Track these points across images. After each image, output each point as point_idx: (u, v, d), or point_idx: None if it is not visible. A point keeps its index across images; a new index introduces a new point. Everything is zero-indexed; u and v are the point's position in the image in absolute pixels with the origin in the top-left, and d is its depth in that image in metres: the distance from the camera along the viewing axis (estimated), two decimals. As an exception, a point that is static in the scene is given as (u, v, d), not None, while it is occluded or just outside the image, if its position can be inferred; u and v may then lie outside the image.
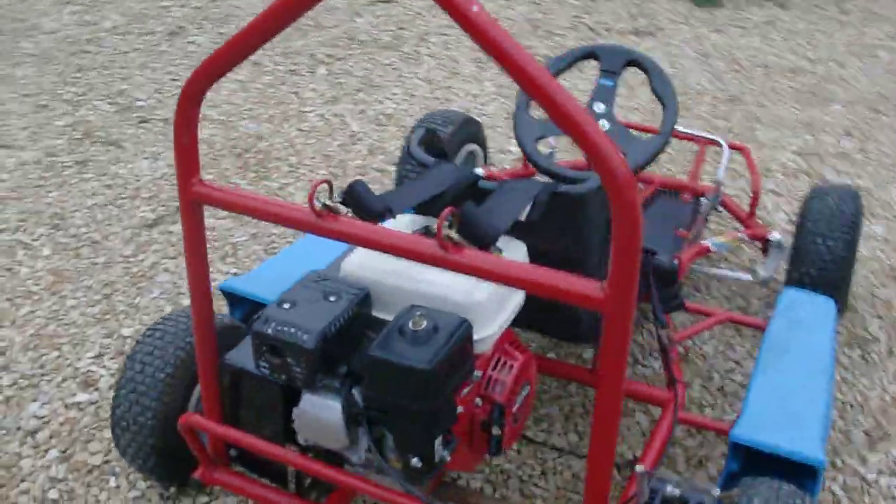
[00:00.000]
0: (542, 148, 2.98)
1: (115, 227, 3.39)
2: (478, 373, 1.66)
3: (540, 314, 1.96)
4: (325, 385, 1.62)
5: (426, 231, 1.81)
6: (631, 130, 2.42)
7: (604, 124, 2.42)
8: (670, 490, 1.66)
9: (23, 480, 2.31)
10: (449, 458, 1.60)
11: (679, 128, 3.09)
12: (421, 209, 1.83)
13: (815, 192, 2.77)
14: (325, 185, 1.51)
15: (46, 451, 2.40)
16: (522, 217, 1.73)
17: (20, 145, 3.98)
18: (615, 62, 2.45)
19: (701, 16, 5.48)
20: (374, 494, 1.68)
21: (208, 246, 3.25)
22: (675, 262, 2.57)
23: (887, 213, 3.53)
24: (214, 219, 3.38)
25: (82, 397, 2.57)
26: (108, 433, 2.39)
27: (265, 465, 1.90)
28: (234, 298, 2.38)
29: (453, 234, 1.38)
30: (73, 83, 4.63)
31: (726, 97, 4.39)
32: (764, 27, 5.29)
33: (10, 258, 3.20)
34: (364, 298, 1.68)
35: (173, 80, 4.67)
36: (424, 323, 1.54)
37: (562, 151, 3.75)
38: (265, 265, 2.51)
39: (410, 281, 1.70)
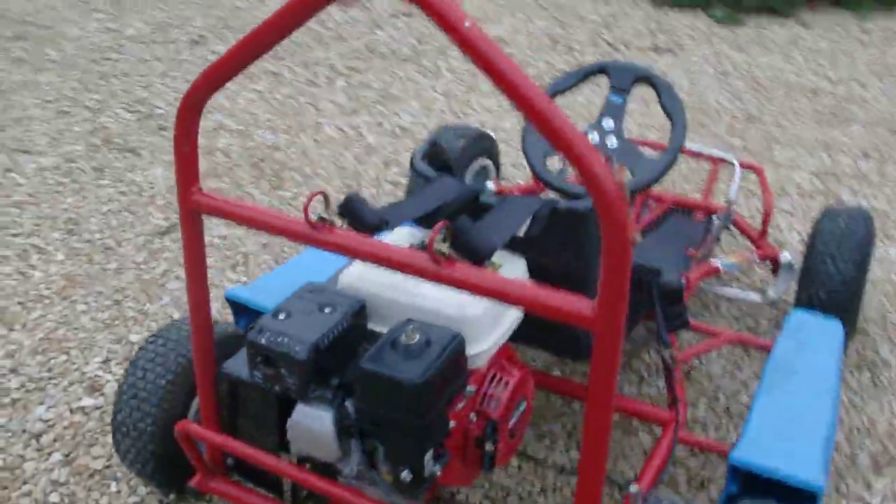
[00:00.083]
0: (552, 164, 2.98)
1: (128, 233, 3.41)
2: (471, 388, 1.65)
3: (540, 331, 1.95)
4: (318, 396, 1.62)
5: (423, 245, 1.81)
6: (640, 147, 2.42)
7: (612, 141, 2.41)
8: (665, 510, 1.65)
9: (25, 483, 2.32)
10: (439, 473, 1.60)
11: (692, 146, 3.08)
12: (421, 223, 1.83)
13: (826, 213, 2.75)
14: (321, 197, 1.51)
15: (50, 454, 2.41)
16: (521, 233, 1.73)
17: (40, 150, 4.03)
18: (625, 79, 2.45)
19: (722, 33, 5.47)
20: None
21: (219, 255, 3.28)
22: (683, 280, 2.56)
23: (903, 235, 3.50)
24: (227, 228, 3.40)
25: (88, 402, 2.58)
26: (111, 438, 2.41)
27: (261, 475, 1.90)
28: (238, 307, 2.39)
29: (445, 248, 1.38)
30: (95, 90, 4.68)
31: (745, 116, 4.37)
32: (786, 46, 5.26)
33: (24, 262, 3.23)
34: (359, 311, 1.68)
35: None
36: (417, 336, 1.53)
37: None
38: (271, 275, 2.52)
39: (407, 294, 1.70)
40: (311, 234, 1.50)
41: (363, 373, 1.51)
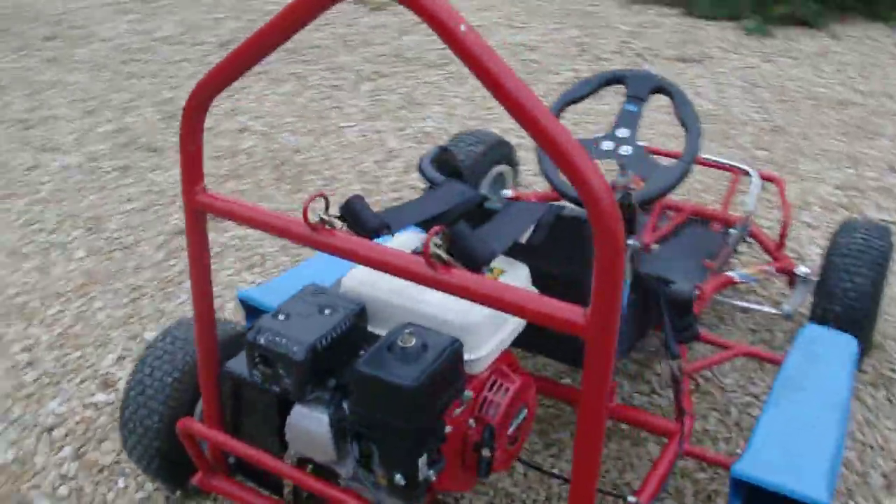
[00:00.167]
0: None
1: (148, 232, 3.45)
2: (469, 393, 1.64)
3: (546, 338, 1.95)
4: (316, 397, 1.63)
5: None
6: (654, 157, 2.40)
7: (626, 149, 2.40)
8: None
9: (35, 475, 2.35)
10: (434, 478, 1.59)
11: (711, 157, 3.06)
12: (426, 227, 1.83)
13: (844, 227, 2.71)
14: (322, 199, 1.52)
15: (61, 448, 2.44)
16: (524, 239, 1.72)
17: (65, 149, 4.08)
18: (641, 88, 2.43)
19: (751, 44, 5.42)
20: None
21: (237, 256, 3.30)
22: (695, 291, 2.54)
23: (927, 252, 3.44)
24: (244, 229, 3.42)
25: (100, 398, 2.61)
26: (120, 434, 2.44)
27: (262, 475, 1.91)
28: (251, 308, 2.40)
29: (442, 252, 1.38)
30: (123, 90, 4.74)
31: (770, 127, 4.33)
32: (815, 58, 5.21)
33: (45, 258, 3.28)
34: (359, 313, 1.68)
35: (220, 90, 4.75)
36: (414, 341, 1.53)
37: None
38: (284, 277, 2.53)
39: (408, 299, 1.70)
40: (310, 236, 1.51)
41: (359, 375, 1.51)
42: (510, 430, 1.77)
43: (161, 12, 5.89)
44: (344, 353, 1.62)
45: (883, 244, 2.59)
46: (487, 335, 1.68)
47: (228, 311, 2.97)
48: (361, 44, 5.46)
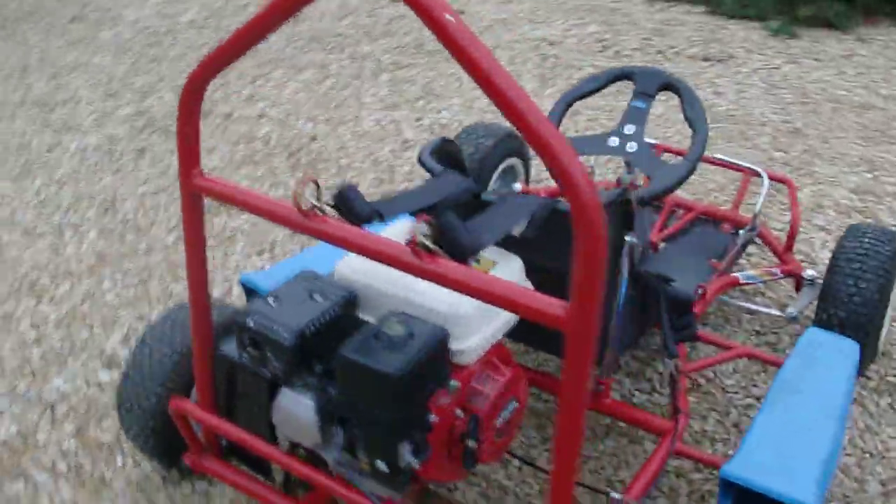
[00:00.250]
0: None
1: (161, 215, 3.48)
2: (455, 383, 1.65)
3: (543, 333, 1.95)
4: (304, 382, 1.64)
5: None
6: (660, 154, 2.40)
7: (632, 146, 2.39)
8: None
9: (36, 450, 2.39)
10: (418, 466, 1.60)
11: (723, 156, 3.04)
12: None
13: (850, 231, 2.69)
14: (313, 185, 1.53)
15: (63, 424, 2.48)
16: (517, 232, 1.72)
17: (84, 130, 4.12)
18: (650, 85, 2.43)
19: (776, 45, 5.37)
20: (344, 497, 1.69)
21: (247, 240, 3.32)
22: (699, 290, 2.53)
23: (942, 259, 3.40)
24: (256, 214, 3.44)
25: (104, 377, 2.64)
26: (120, 412, 2.46)
27: (253, 458, 1.92)
28: (251, 292, 2.42)
29: (427, 242, 1.39)
30: (145, 73, 4.77)
31: (789, 129, 4.29)
32: (840, 60, 5.14)
33: (58, 238, 3.32)
34: (350, 300, 1.69)
35: (240, 77, 4.78)
36: (400, 329, 1.54)
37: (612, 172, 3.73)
38: (286, 262, 2.54)
39: (400, 288, 1.71)
40: (301, 222, 1.52)
41: (343, 361, 1.52)
42: (498, 423, 1.77)
43: (187, -2, 5.94)
44: (333, 339, 1.63)
45: (890, 249, 2.57)
46: (477, 326, 1.69)
47: (236, 296, 3.00)
48: (384, 34, 5.47)
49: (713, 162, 3.05)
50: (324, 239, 1.50)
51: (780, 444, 1.95)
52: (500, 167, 3.14)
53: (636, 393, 2.64)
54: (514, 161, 3.23)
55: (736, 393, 2.66)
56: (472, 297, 1.37)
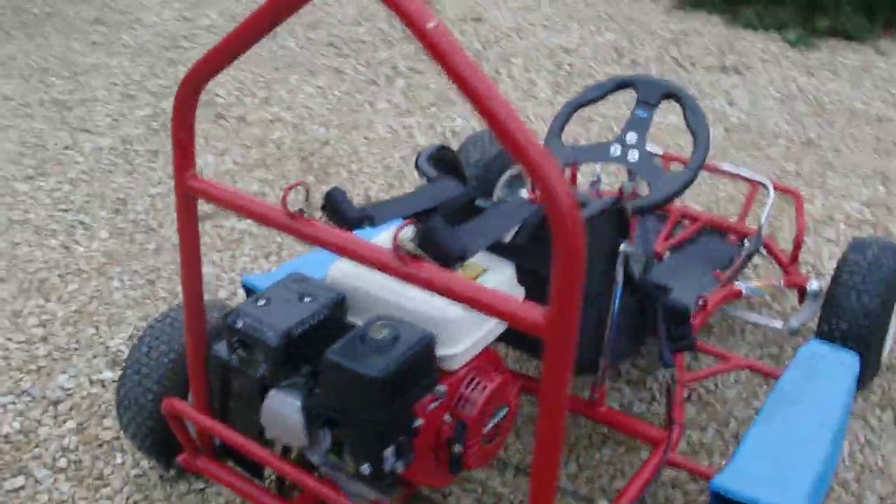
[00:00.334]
0: (582, 176, 2.96)
1: (171, 216, 3.51)
2: (442, 388, 1.66)
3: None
4: (291, 383, 1.66)
5: None
6: (661, 163, 2.39)
7: (633, 155, 2.39)
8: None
9: (37, 446, 2.41)
10: (401, 469, 1.61)
11: (728, 167, 3.03)
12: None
13: (854, 244, 2.67)
14: (302, 188, 1.54)
15: (64, 421, 2.50)
16: (507, 238, 1.73)
17: (100, 131, 4.16)
18: (652, 94, 2.43)
19: (794, 56, 5.35)
20: (331, 500, 1.70)
21: (255, 243, 3.35)
22: (700, 301, 2.53)
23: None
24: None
25: (107, 375, 2.67)
26: (121, 411, 2.49)
27: (246, 459, 1.94)
28: (251, 294, 2.43)
29: (411, 246, 1.40)
30: (162, 76, 4.82)
31: (802, 141, 4.27)
32: (857, 72, 5.12)
33: (69, 237, 3.35)
34: (338, 303, 1.71)
35: (256, 80, 4.81)
36: (385, 332, 1.55)
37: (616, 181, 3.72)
38: (288, 264, 2.56)
39: (389, 292, 1.72)
40: (289, 224, 1.53)
41: (327, 363, 1.54)
42: (487, 429, 1.78)
43: (206, 2, 5.97)
44: (320, 341, 1.64)
45: (894, 263, 2.55)
46: (465, 332, 1.70)
47: (241, 298, 3.02)
48: (401, 39, 5.48)
49: (719, 172, 3.04)
50: (309, 241, 1.51)
51: (772, 456, 1.94)
52: (507, 174, 3.15)
53: (636, 402, 2.63)
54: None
55: (736, 404, 2.65)
56: (453, 301, 1.37)
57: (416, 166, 1.98)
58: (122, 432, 2.38)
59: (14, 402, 2.55)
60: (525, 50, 5.39)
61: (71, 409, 2.55)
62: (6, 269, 3.13)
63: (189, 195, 1.69)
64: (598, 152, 2.44)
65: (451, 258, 1.46)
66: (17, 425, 2.48)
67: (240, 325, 1.64)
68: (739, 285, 2.71)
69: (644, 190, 2.29)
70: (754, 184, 2.99)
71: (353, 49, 5.31)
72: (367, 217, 1.65)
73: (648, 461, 2.06)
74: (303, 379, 1.65)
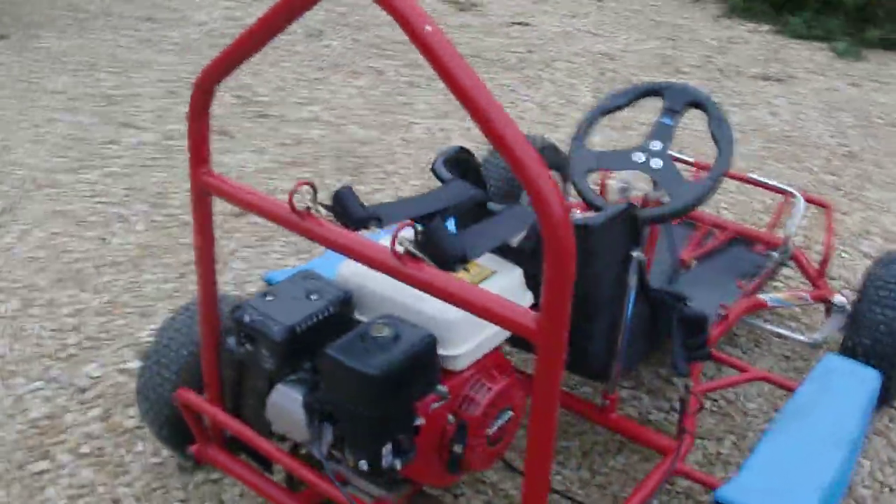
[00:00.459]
0: (614, 182, 2.96)
1: (206, 211, 3.57)
2: (444, 388, 1.67)
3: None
4: (296, 378, 1.69)
5: None
6: (679, 171, 2.38)
7: (656, 162, 2.38)
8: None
9: (62, 432, 2.47)
10: (400, 467, 1.63)
11: (757, 176, 3.01)
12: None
13: (881, 259, 2.63)
14: (309, 188, 1.57)
15: (90, 409, 2.56)
16: (514, 242, 1.74)
17: (143, 126, 4.26)
18: (678, 101, 2.41)
19: (840, 67, 5.27)
20: (332, 496, 1.73)
21: (286, 240, 3.39)
22: (721, 311, 2.51)
23: None
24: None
25: (134, 365, 2.73)
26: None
27: (255, 451, 1.97)
28: (274, 290, 2.47)
29: (409, 247, 1.42)
30: (206, 74, 4.90)
31: (844, 153, 4.21)
32: (906, 85, 5.05)
33: (106, 228, 3.43)
34: (344, 301, 1.73)
35: (298, 79, 4.88)
36: (386, 331, 1.58)
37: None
38: (312, 262, 2.60)
39: (396, 291, 1.74)
40: (296, 222, 1.57)
41: (327, 359, 1.56)
42: (491, 431, 1.79)
43: (256, 1, 6.07)
44: (325, 337, 1.66)
45: (922, 280, 2.51)
46: (468, 333, 1.71)
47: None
48: (444, 43, 5.52)
49: (751, 182, 3.01)
50: (314, 239, 1.54)
51: (781, 469, 1.93)
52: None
53: (653, 411, 2.62)
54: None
55: (756, 417, 2.62)
56: (450, 303, 1.39)
57: (432, 168, 1.99)
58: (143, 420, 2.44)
59: (42, 389, 2.62)
60: (569, 55, 5.39)
61: (97, 396, 2.61)
62: (45, 259, 3.22)
63: (203, 191, 1.73)
64: (622, 159, 2.43)
65: (449, 260, 1.47)
66: (44, 411, 2.55)
67: (246, 319, 1.67)
68: (765, 297, 2.69)
69: (668, 199, 2.28)
70: (783, 194, 2.95)
71: (395, 51, 5.36)
72: (375, 217, 1.68)
73: (655, 470, 2.06)
74: (307, 374, 1.68)
